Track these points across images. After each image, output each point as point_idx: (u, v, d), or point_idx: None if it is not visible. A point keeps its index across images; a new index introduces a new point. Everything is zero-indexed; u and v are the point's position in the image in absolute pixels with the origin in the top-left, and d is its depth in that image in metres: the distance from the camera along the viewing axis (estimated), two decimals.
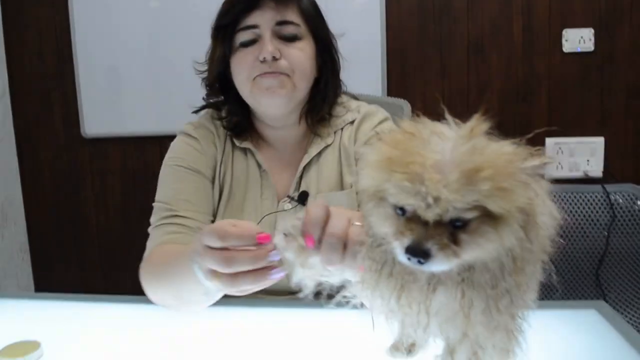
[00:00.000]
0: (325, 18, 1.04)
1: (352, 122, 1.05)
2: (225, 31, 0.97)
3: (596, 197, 1.81)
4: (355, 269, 0.53)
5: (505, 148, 0.43)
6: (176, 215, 0.95)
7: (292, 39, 0.96)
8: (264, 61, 0.93)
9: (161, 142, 2.13)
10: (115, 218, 2.28)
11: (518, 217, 0.41)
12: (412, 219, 0.42)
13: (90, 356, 0.78)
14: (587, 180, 2.00)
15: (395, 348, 0.65)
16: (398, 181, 0.41)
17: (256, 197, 1.02)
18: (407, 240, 0.42)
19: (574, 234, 1.80)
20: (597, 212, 1.79)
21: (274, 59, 0.93)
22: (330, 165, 1.03)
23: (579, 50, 1.97)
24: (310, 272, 0.56)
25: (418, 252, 0.41)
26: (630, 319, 1.75)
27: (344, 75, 1.07)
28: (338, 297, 0.55)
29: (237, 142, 1.04)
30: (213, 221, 1.01)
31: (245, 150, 1.05)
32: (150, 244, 0.95)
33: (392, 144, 0.43)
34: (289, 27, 0.96)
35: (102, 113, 2.19)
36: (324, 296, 0.57)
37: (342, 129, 1.05)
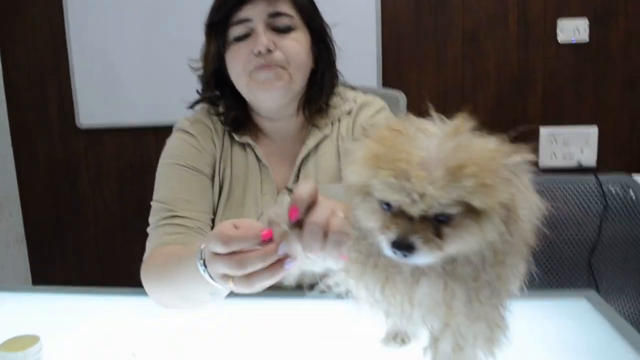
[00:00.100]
0: (320, 9, 1.03)
1: (349, 113, 1.05)
2: (218, 27, 0.96)
3: (589, 186, 1.82)
4: (337, 258, 0.54)
5: (490, 145, 0.44)
6: (175, 216, 0.94)
7: (286, 30, 0.95)
8: (258, 54, 0.92)
9: (157, 133, 2.14)
10: (112, 208, 2.28)
11: (500, 212, 0.42)
12: (398, 214, 0.44)
13: (90, 349, 0.78)
14: (580, 169, 2.02)
15: (389, 338, 0.66)
16: (384, 178, 0.43)
17: (256, 192, 1.01)
18: (392, 235, 0.43)
19: (567, 223, 1.82)
20: (589, 201, 1.81)
21: (269, 51, 0.93)
22: (329, 156, 1.02)
23: (574, 41, 1.97)
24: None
25: (403, 246, 0.43)
26: (621, 305, 1.77)
27: (339, 67, 1.07)
28: (321, 285, 0.56)
29: (236, 137, 1.03)
30: (213, 219, 1.00)
31: (244, 145, 1.03)
32: (149, 245, 0.94)
33: (379, 140, 0.45)
34: (282, 19, 0.95)
35: (98, 104, 2.18)
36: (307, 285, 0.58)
37: (339, 119, 1.04)
